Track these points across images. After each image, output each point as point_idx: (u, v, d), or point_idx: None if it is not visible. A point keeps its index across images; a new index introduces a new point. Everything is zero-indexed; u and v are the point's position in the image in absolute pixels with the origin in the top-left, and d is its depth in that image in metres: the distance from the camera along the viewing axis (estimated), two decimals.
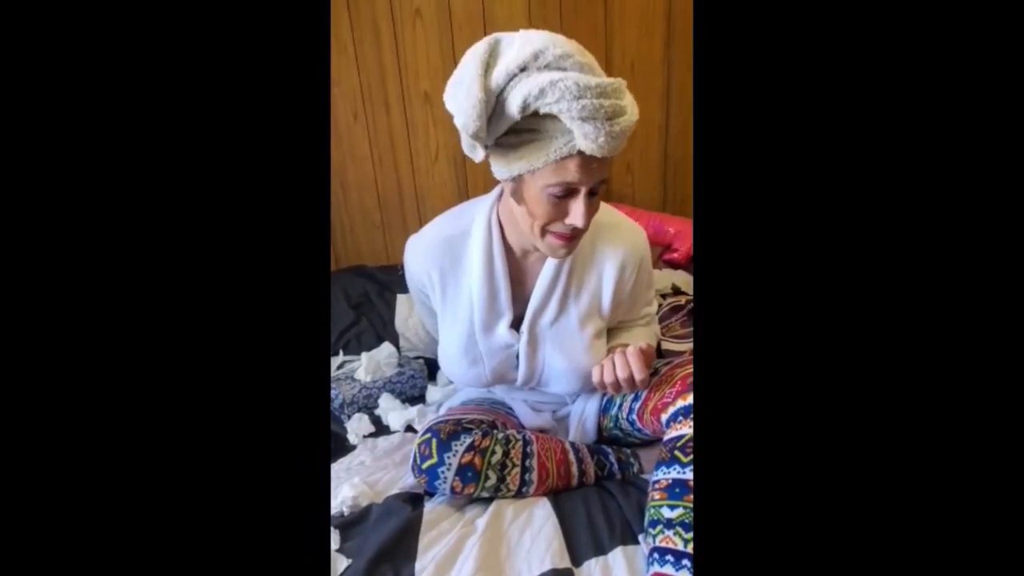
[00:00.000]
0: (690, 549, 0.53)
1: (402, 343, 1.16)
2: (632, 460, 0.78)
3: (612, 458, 0.77)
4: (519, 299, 0.75)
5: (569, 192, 0.60)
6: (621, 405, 0.78)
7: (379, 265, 1.36)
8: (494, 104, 0.56)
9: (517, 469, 0.70)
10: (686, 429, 0.62)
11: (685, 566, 0.53)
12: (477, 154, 0.61)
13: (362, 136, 1.33)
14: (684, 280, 1.24)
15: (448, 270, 0.74)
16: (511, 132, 0.58)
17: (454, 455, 0.68)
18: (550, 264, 0.72)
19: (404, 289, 1.22)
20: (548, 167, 0.58)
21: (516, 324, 0.75)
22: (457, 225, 0.75)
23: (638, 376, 0.65)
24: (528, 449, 0.71)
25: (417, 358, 1.13)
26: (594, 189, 0.61)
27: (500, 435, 0.72)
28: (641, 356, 0.66)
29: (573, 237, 0.65)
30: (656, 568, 0.54)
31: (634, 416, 0.74)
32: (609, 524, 0.66)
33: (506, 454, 0.70)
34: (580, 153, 0.56)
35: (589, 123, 0.53)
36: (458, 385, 0.90)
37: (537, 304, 0.73)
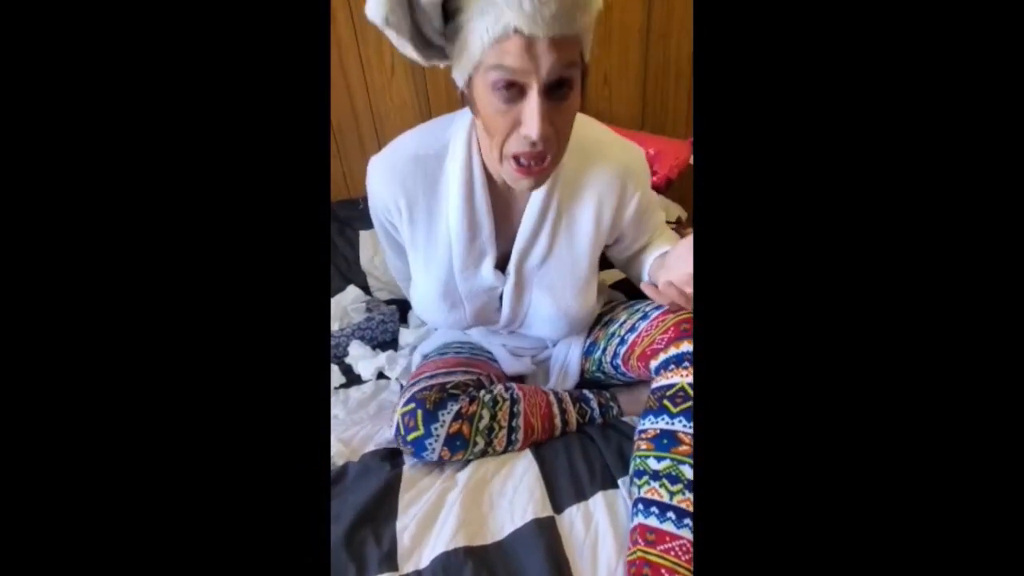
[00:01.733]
0: (675, 501, 0.53)
1: (371, 282, 1.11)
2: (612, 403, 0.77)
3: (594, 403, 0.76)
4: (504, 235, 0.66)
5: (519, 91, 0.49)
6: (605, 349, 0.75)
7: (338, 199, 1.25)
8: None
9: (504, 431, 0.68)
10: (677, 378, 0.59)
11: (669, 518, 0.53)
12: (423, 58, 0.52)
13: None
14: (664, 206, 1.19)
15: (419, 198, 0.64)
16: (449, 26, 0.50)
17: (441, 426, 0.65)
18: (538, 195, 0.64)
19: (367, 225, 1.13)
20: (489, 54, 0.48)
21: (501, 263, 0.68)
22: (431, 143, 0.63)
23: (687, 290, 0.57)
24: (515, 408, 0.69)
25: (388, 301, 1.08)
26: (551, 88, 0.49)
27: (487, 397, 0.68)
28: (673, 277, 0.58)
29: (536, 159, 0.53)
30: (641, 519, 0.54)
31: (619, 361, 0.72)
32: (590, 470, 0.66)
33: (493, 417, 0.68)
34: (518, 33, 0.46)
35: None
36: (433, 326, 0.85)
37: (525, 241, 0.66)
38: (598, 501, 0.62)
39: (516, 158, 0.53)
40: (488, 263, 0.67)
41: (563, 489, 0.64)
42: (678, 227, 1.11)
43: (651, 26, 1.32)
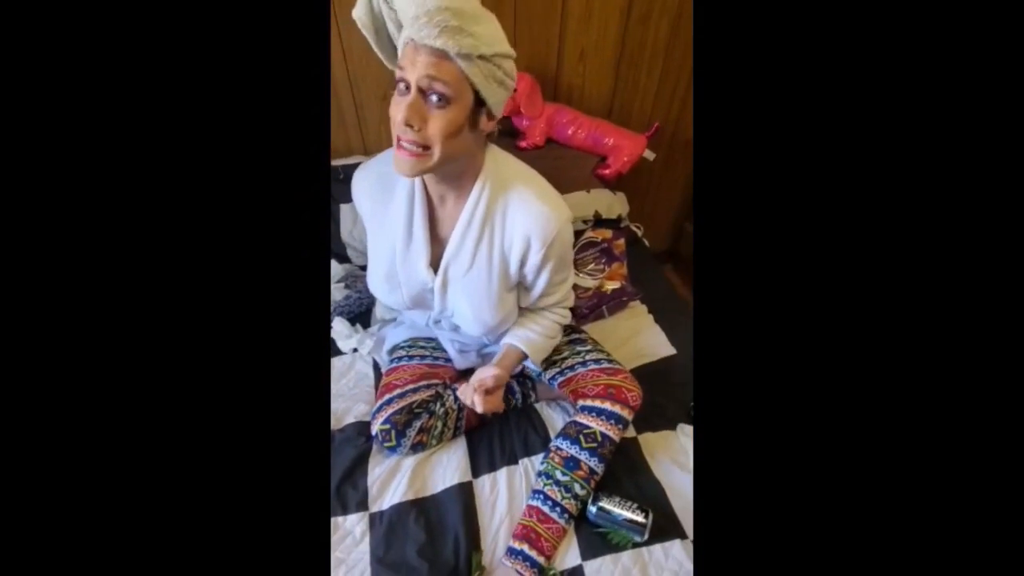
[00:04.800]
0: (563, 502, 0.84)
1: (350, 253, 1.28)
2: (531, 392, 1.06)
3: (519, 395, 1.04)
4: (438, 241, 0.84)
5: (407, 88, 0.64)
6: (546, 370, 1.00)
7: None
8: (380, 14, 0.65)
9: (451, 431, 0.96)
10: (594, 424, 0.89)
11: (556, 511, 0.85)
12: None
13: None
14: (607, 204, 1.34)
15: (377, 204, 0.85)
16: None
17: (408, 439, 0.92)
18: (464, 214, 0.79)
19: (346, 199, 1.27)
20: (400, 59, 0.65)
21: (436, 264, 0.85)
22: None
23: (478, 409, 0.81)
24: (460, 414, 0.96)
25: (363, 267, 1.27)
26: (426, 92, 0.63)
27: (441, 410, 0.94)
28: (481, 390, 0.80)
29: (411, 144, 0.66)
30: (539, 504, 0.86)
31: (555, 382, 0.99)
32: (502, 449, 0.97)
33: (444, 424, 0.95)
34: (411, 42, 0.62)
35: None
36: (383, 301, 1.01)
37: (452, 252, 0.82)
38: (502, 473, 0.94)
39: (399, 139, 0.67)
40: (422, 263, 0.84)
41: (481, 462, 0.96)
42: (616, 231, 1.28)
43: (632, 7, 1.31)
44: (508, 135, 1.38)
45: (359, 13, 0.66)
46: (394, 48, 0.69)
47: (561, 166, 1.35)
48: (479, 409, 0.81)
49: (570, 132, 1.36)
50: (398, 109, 0.65)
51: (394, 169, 0.70)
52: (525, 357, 0.91)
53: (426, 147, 0.67)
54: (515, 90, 1.29)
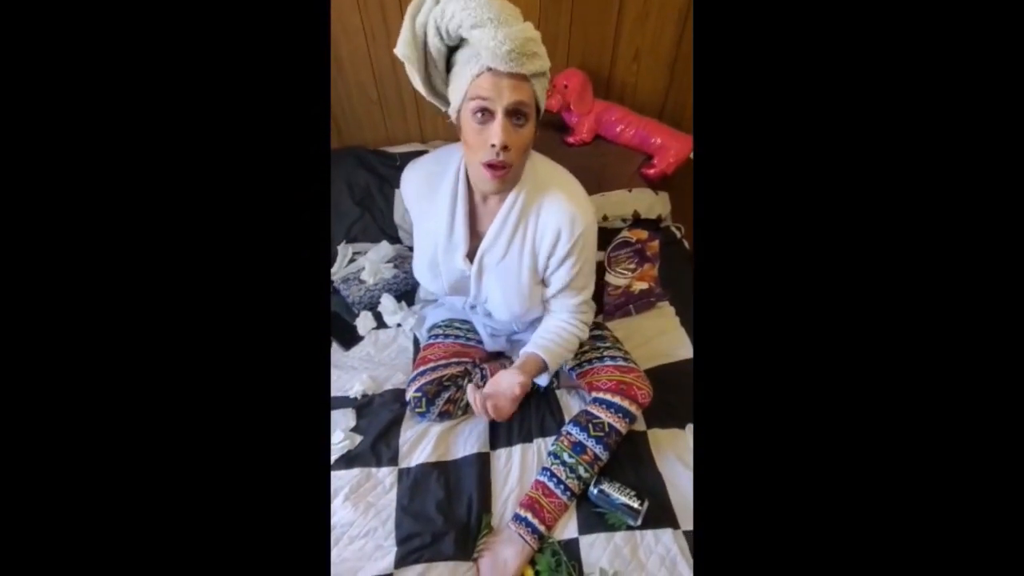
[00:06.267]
0: (567, 481, 0.93)
1: (401, 235, 1.40)
2: (554, 379, 1.15)
3: (543, 380, 1.12)
4: (476, 235, 0.93)
5: (489, 115, 0.72)
6: (569, 361, 1.08)
7: (378, 148, 1.46)
8: (423, 48, 0.73)
9: None
10: (603, 415, 0.96)
11: (560, 488, 0.93)
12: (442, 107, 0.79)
13: (352, 7, 1.25)
14: (648, 204, 1.37)
15: (424, 199, 0.95)
16: (449, 75, 0.75)
17: (436, 407, 1.04)
18: (502, 211, 0.88)
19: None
20: (469, 90, 0.72)
21: (473, 255, 0.94)
22: (441, 163, 0.93)
23: (489, 417, 0.89)
24: None
25: (412, 248, 1.39)
26: (514, 112, 0.72)
27: (468, 385, 1.04)
28: (484, 400, 0.88)
29: (498, 167, 0.75)
30: (545, 480, 0.95)
31: (574, 373, 1.07)
32: (520, 427, 1.07)
33: None
34: (490, 71, 0.70)
35: (480, 29, 0.66)
36: (426, 286, 1.12)
37: (487, 244, 0.91)
38: (517, 448, 1.04)
39: (487, 165, 0.76)
40: (460, 254, 0.94)
41: (500, 436, 1.06)
42: (652, 232, 1.31)
43: (691, 7, 1.30)
44: (556, 130, 1.43)
45: (403, 50, 0.72)
46: (431, 81, 0.77)
47: (606, 163, 1.39)
48: (487, 417, 0.89)
49: (618, 130, 1.39)
50: (491, 135, 0.72)
51: (483, 189, 0.81)
52: (545, 367, 0.97)
53: (507, 164, 0.76)
54: (566, 86, 1.34)
